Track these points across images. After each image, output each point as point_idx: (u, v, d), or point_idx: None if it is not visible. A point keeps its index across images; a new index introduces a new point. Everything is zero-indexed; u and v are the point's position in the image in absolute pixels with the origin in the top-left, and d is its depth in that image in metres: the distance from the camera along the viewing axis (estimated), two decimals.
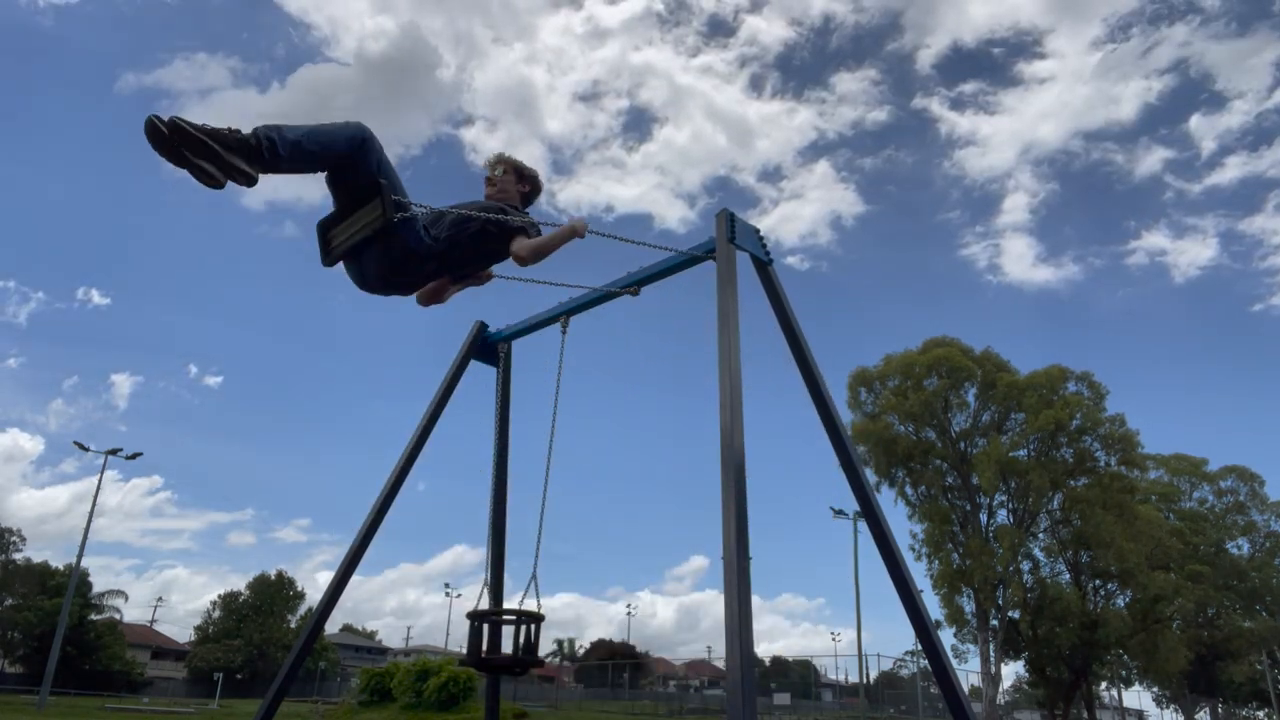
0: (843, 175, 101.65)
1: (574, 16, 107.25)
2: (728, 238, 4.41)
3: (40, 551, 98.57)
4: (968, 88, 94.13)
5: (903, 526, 32.47)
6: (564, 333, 5.23)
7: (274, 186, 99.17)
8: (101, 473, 33.63)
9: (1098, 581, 33.56)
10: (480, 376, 6.09)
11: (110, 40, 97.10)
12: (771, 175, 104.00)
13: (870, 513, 4.67)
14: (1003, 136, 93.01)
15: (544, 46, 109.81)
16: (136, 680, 54.47)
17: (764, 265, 4.80)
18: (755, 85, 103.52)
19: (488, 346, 6.06)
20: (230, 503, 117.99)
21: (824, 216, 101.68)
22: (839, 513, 36.15)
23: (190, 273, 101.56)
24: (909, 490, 32.83)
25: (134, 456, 33.93)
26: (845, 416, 28.11)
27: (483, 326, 6.08)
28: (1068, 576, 32.96)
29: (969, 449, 32.21)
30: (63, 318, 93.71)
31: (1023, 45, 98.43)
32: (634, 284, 4.92)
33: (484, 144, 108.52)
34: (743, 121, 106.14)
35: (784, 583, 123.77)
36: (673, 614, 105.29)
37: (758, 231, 4.77)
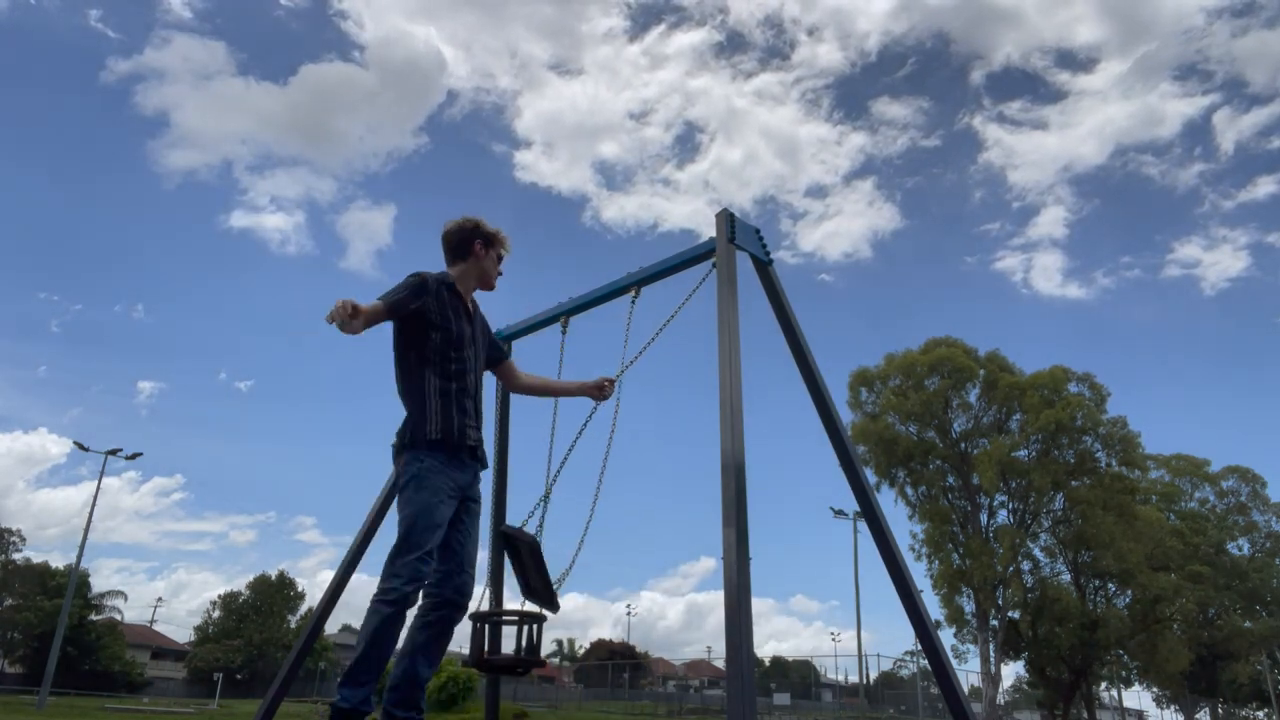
0: (884, 192, 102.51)
1: (631, 45, 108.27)
2: (728, 238, 4.41)
3: (67, 552, 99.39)
4: (1014, 104, 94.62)
5: (903, 526, 32.51)
6: (564, 333, 5.23)
7: (278, 185, 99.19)
8: (101, 473, 33.71)
9: (1098, 582, 33.56)
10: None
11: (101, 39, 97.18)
12: (816, 192, 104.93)
13: (870, 513, 4.67)
14: (1043, 151, 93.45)
15: (600, 70, 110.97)
16: (136, 680, 54.49)
17: (764, 265, 4.80)
18: (807, 107, 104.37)
19: None
20: (253, 505, 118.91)
21: (863, 233, 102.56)
22: (839, 513, 36.24)
23: (217, 281, 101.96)
24: (909, 490, 32.82)
25: (134, 456, 33.99)
26: (846, 416, 28.17)
27: None
28: (1068, 577, 32.96)
29: (970, 449, 32.19)
30: (96, 327, 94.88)
31: (1069, 61, 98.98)
32: (633, 284, 4.91)
33: (539, 166, 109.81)
34: (792, 142, 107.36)
35: (797, 585, 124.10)
36: (680, 614, 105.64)
37: (758, 231, 4.77)
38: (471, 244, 3.62)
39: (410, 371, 3.36)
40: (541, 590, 4.04)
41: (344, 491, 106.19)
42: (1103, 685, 43.14)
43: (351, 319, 2.90)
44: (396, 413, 3.44)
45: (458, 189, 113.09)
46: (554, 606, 4.02)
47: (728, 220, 4.45)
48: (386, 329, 3.34)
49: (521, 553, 4.09)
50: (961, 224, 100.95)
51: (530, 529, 4.21)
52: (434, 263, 3.70)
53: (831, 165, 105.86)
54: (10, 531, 51.89)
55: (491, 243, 3.67)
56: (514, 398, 6.13)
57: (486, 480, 5.86)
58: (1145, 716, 56.60)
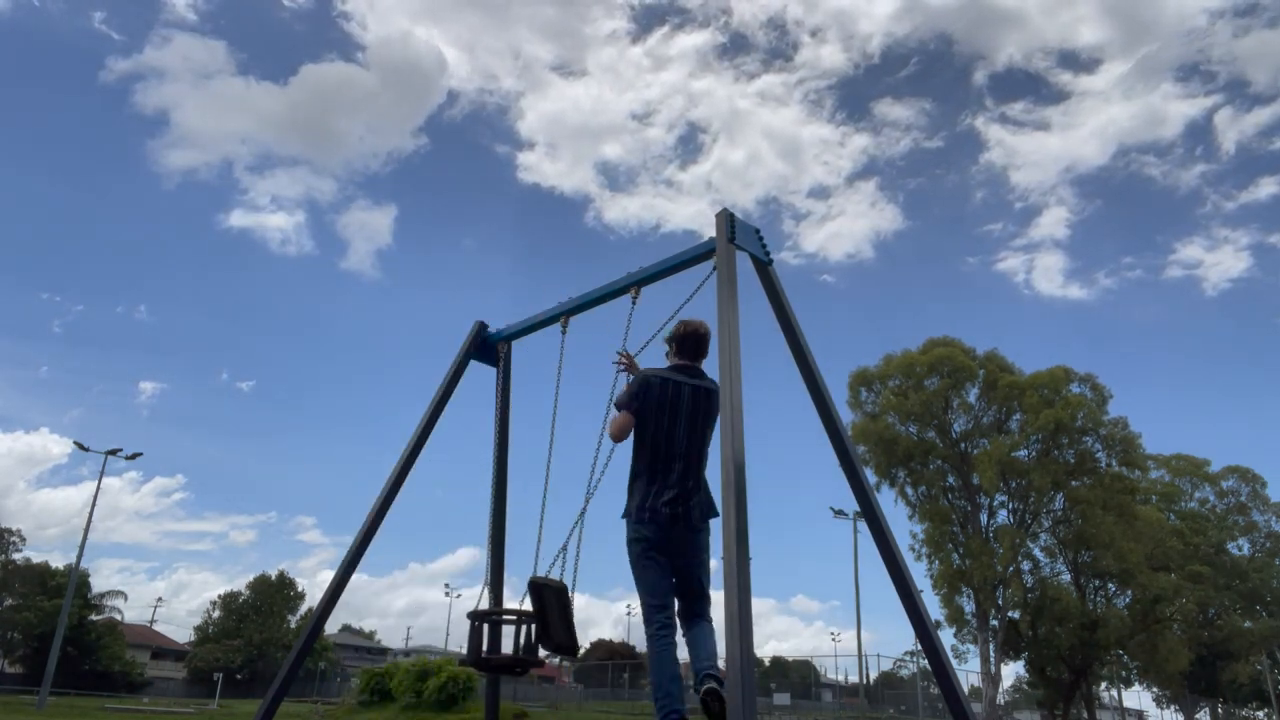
0: (886, 193, 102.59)
1: (635, 47, 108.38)
2: (728, 238, 4.41)
3: (67, 552, 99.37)
4: (1016, 105, 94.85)
5: (903, 526, 32.44)
6: (564, 333, 5.23)
7: (278, 185, 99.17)
8: (102, 473, 33.72)
9: (1098, 582, 33.54)
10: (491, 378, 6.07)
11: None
12: (819, 193, 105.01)
13: (870, 513, 4.67)
14: (1045, 152, 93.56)
15: (603, 71, 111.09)
16: (136, 680, 54.46)
17: (764, 265, 4.79)
18: (810, 108, 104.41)
19: (487, 347, 6.04)
20: (253, 505, 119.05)
21: (865, 234, 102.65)
22: (839, 513, 36.22)
23: (218, 281, 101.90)
24: (909, 490, 32.77)
25: (134, 456, 33.97)
26: (846, 416, 28.11)
27: (483, 327, 6.07)
28: (1068, 577, 32.94)
29: (970, 449, 32.15)
30: (98, 327, 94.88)
31: (1071, 62, 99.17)
32: (633, 285, 4.91)
33: (542, 167, 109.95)
34: (795, 143, 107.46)
35: (797, 585, 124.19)
36: None
37: (758, 232, 4.77)
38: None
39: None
40: (563, 637, 4.08)
41: (344, 491, 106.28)
42: (1103, 685, 43.14)
43: None
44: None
45: (459, 190, 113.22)
46: (575, 651, 4.15)
47: (728, 220, 4.45)
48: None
49: (547, 600, 4.05)
50: (963, 225, 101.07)
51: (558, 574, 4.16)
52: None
53: (834, 166, 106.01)
54: (10, 531, 51.87)
55: None
56: (514, 392, 6.12)
57: (485, 478, 5.86)
58: (1145, 716, 56.60)
